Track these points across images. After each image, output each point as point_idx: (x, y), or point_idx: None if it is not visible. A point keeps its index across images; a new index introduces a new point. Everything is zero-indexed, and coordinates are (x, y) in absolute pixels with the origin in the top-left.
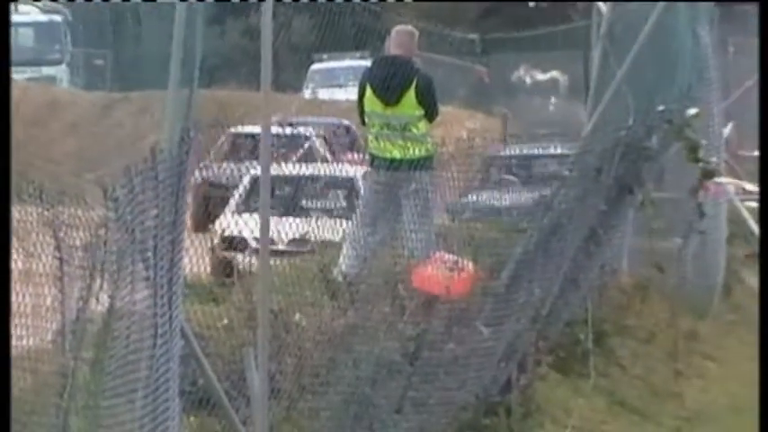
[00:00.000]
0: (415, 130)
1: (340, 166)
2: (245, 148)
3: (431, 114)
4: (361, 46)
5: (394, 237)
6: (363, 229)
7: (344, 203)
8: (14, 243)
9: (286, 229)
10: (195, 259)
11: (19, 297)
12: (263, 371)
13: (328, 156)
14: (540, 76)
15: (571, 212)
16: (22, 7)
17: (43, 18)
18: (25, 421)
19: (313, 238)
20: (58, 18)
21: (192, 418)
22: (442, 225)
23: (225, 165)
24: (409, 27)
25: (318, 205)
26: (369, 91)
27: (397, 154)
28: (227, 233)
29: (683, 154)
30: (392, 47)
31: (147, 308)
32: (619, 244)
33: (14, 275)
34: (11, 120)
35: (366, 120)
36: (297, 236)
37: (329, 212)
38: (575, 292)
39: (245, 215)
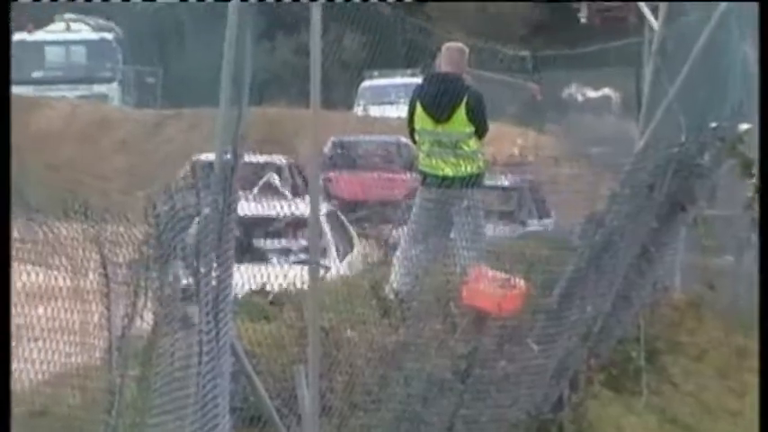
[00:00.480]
0: (465, 147)
1: (300, 204)
2: (209, 178)
3: (481, 131)
4: (411, 63)
5: (445, 254)
6: (414, 246)
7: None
8: (63, 260)
9: (241, 278)
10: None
11: (67, 314)
12: (314, 388)
13: (287, 192)
14: (592, 94)
15: (623, 229)
16: (74, 25)
17: (95, 36)
18: None
19: (276, 289)
20: (109, 36)
21: None
22: (493, 242)
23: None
24: (459, 44)
25: (278, 248)
26: (419, 108)
27: (449, 171)
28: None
29: (734, 171)
30: (443, 64)
31: (192, 324)
32: (671, 261)
33: (63, 293)
34: (10, 122)
35: (416, 137)
36: (256, 286)
37: (289, 256)
38: (627, 310)
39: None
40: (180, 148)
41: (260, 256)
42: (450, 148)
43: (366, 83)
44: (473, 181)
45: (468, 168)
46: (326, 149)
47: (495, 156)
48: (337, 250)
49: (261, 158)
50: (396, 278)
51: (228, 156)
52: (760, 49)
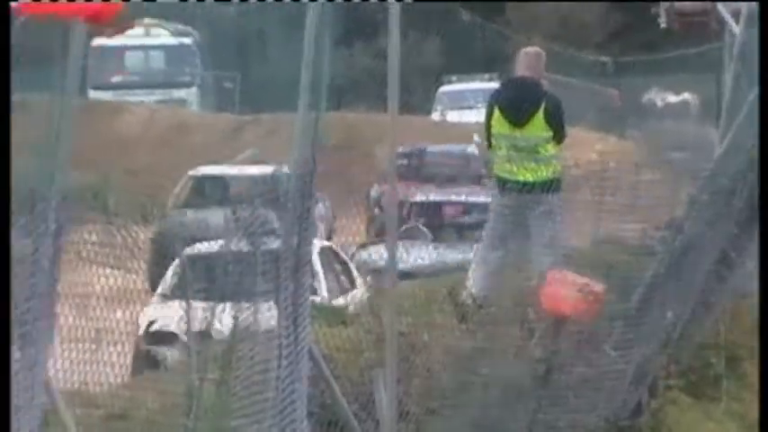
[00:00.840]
0: (543, 152)
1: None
2: (210, 194)
3: (559, 136)
4: (489, 68)
5: (523, 259)
6: (492, 251)
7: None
8: (141, 264)
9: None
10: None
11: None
12: (391, 393)
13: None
14: (672, 99)
15: (703, 235)
16: (153, 30)
17: (174, 41)
18: None
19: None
20: (188, 41)
21: None
22: (571, 247)
23: (186, 213)
24: (537, 48)
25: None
26: (497, 112)
27: (529, 177)
28: (153, 327)
29: None
30: (520, 68)
31: (271, 329)
32: (753, 266)
33: (141, 296)
34: (11, 123)
35: (493, 141)
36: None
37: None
38: (707, 316)
39: (176, 303)
40: (258, 154)
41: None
42: (528, 153)
43: (444, 88)
44: (553, 186)
45: (547, 173)
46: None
47: (576, 161)
48: (329, 289)
49: (262, 170)
50: (473, 283)
51: (306, 161)
52: (760, 48)
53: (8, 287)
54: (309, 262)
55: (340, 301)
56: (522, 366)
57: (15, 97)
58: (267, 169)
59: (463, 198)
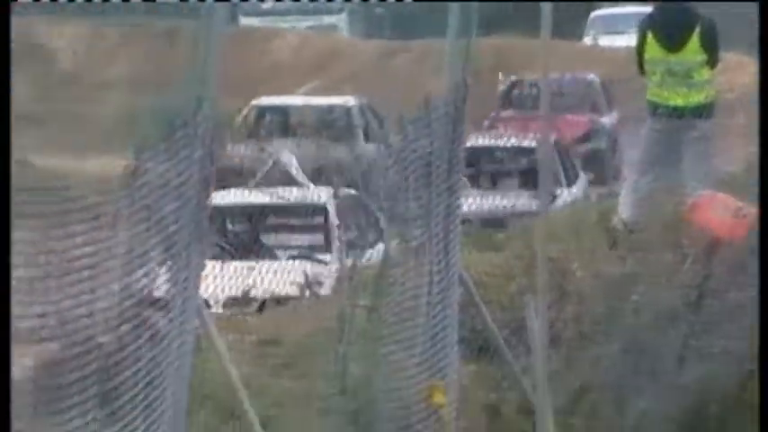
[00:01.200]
0: (697, 77)
1: (311, 189)
2: (272, 125)
3: (713, 60)
4: None
5: (675, 183)
6: (643, 176)
7: (318, 236)
8: None
9: (228, 279)
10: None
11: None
12: (542, 319)
13: (300, 177)
14: None
15: None
16: None
17: None
18: (306, 367)
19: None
20: None
21: (471, 366)
22: (724, 171)
23: (245, 146)
24: None
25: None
26: (650, 37)
27: (680, 101)
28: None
29: None
30: None
31: (423, 255)
32: None
33: None
34: (11, 118)
35: (646, 67)
36: (239, 293)
37: (299, 252)
38: None
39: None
40: (409, 80)
41: (266, 253)
42: (682, 78)
43: (597, 12)
44: (706, 111)
45: (699, 98)
46: (503, 88)
47: (731, 86)
48: (353, 243)
49: (327, 100)
50: (623, 209)
51: (458, 86)
52: (760, 48)
53: (8, 285)
54: (461, 188)
55: (368, 253)
56: (674, 292)
57: (163, 24)
58: (331, 101)
59: (503, 143)
